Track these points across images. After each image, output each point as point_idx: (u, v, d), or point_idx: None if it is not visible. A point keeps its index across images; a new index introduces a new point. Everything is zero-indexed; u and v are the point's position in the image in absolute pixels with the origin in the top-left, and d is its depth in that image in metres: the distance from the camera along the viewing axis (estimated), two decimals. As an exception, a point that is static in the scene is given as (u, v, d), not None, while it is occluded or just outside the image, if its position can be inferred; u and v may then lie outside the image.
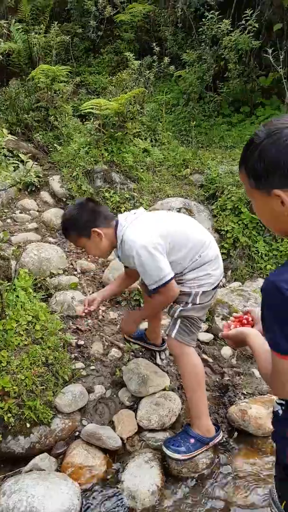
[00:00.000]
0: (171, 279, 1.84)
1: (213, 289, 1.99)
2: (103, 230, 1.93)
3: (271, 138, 0.98)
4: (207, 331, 2.76)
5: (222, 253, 3.27)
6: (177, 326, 1.94)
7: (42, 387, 2.18)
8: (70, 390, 2.25)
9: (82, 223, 1.93)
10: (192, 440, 1.95)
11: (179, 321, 1.94)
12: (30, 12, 5.54)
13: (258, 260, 3.17)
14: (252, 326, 1.31)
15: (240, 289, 2.88)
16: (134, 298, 2.94)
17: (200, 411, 2.01)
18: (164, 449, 1.93)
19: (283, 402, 1.18)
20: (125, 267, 2.22)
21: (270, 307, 0.99)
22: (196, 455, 1.96)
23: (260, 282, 3.08)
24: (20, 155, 3.08)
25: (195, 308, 1.96)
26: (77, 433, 2.18)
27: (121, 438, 2.10)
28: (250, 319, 1.33)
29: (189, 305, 1.93)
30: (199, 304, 1.95)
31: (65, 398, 2.21)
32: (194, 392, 1.98)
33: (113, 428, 2.17)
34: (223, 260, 3.28)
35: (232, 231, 3.23)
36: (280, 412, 1.19)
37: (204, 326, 2.77)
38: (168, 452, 1.92)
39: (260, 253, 3.18)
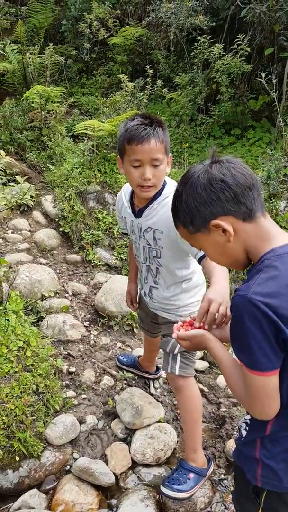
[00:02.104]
0: None
1: None
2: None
3: (186, 185, 1.09)
4: (202, 358, 2.70)
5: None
6: (178, 362, 1.84)
7: (32, 417, 2.10)
8: (61, 420, 2.16)
9: None
10: (191, 475, 1.87)
11: (179, 356, 1.85)
12: (25, 33, 5.57)
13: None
14: None
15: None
16: (127, 322, 2.88)
17: (197, 443, 1.94)
18: (165, 490, 1.82)
19: (248, 421, 1.16)
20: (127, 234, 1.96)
21: (243, 324, 0.96)
22: (197, 490, 1.88)
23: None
24: (17, 177, 3.03)
25: None
26: (68, 467, 2.09)
27: (114, 474, 2.02)
28: (202, 324, 1.29)
29: None
30: None
31: (56, 429, 2.12)
32: (193, 426, 1.90)
33: (106, 462, 2.08)
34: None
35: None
36: (244, 432, 1.18)
37: (199, 353, 2.72)
38: (171, 493, 1.81)
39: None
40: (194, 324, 1.28)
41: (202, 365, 2.64)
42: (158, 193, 1.68)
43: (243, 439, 1.19)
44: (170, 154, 1.65)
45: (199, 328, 1.26)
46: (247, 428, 1.17)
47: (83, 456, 2.12)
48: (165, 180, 1.70)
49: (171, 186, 1.70)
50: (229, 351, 1.19)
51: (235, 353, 1.04)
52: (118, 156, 1.67)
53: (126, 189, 1.84)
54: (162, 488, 1.83)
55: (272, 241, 1.05)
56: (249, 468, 1.16)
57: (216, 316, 1.25)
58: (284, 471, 1.09)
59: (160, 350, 2.21)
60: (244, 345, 0.98)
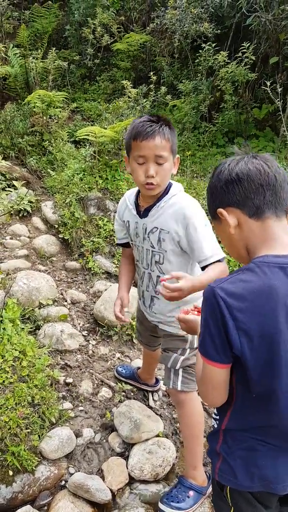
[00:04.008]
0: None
1: None
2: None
3: (214, 171, 1.13)
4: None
5: (217, 287, 3.20)
6: (180, 377, 1.79)
7: (27, 430, 2.03)
8: (57, 434, 2.10)
9: None
10: (191, 493, 1.81)
11: (181, 371, 1.80)
12: (28, 37, 5.56)
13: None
14: None
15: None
16: (126, 332, 2.82)
17: (198, 460, 1.88)
18: (164, 507, 1.76)
19: (217, 417, 1.18)
20: (123, 245, 1.96)
21: (205, 313, 1.00)
22: (196, 508, 1.82)
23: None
24: (14, 182, 2.98)
25: (193, 351, 1.83)
26: (63, 482, 2.02)
27: (111, 490, 1.95)
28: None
29: (188, 351, 1.80)
30: (196, 346, 1.83)
31: (51, 442, 2.06)
32: (194, 442, 1.85)
33: (102, 477, 2.01)
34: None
35: (228, 264, 3.15)
36: (215, 426, 1.19)
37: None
38: (170, 511, 1.76)
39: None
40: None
41: (202, 377, 2.58)
42: (165, 192, 1.65)
43: (213, 430, 1.21)
44: (178, 155, 1.62)
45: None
46: (217, 421, 1.19)
47: (79, 471, 2.05)
48: (170, 182, 1.67)
49: (177, 187, 1.68)
50: None
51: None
52: (126, 155, 1.65)
53: (129, 194, 1.82)
54: (161, 505, 1.77)
55: (271, 247, 1.03)
56: (212, 461, 1.18)
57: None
58: (239, 468, 1.10)
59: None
60: (201, 332, 1.02)
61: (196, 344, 1.81)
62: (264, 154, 1.08)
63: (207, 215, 1.18)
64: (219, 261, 1.56)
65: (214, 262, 1.55)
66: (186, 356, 1.80)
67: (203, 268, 1.58)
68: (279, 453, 1.08)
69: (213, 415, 1.21)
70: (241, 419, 1.08)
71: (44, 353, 2.44)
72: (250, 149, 1.13)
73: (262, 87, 4.00)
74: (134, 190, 1.80)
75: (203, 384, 1.07)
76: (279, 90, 3.67)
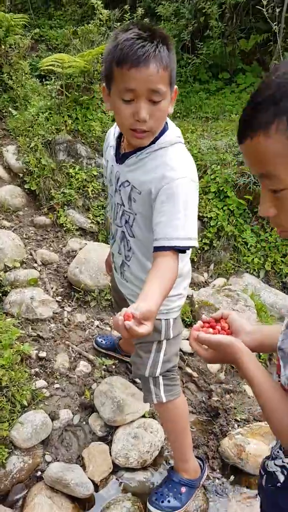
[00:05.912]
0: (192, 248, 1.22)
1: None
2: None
3: None
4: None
5: (204, 244, 2.90)
6: (162, 386, 1.49)
7: (-6, 418, 1.77)
8: (30, 419, 1.84)
9: None
10: (183, 489, 1.60)
11: (161, 378, 1.49)
12: None
13: (245, 253, 2.81)
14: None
15: (228, 288, 2.51)
16: (105, 297, 2.53)
17: (188, 452, 1.66)
18: (154, 509, 1.56)
19: (286, 464, 0.89)
20: None
21: None
22: (189, 503, 1.63)
23: (248, 277, 2.72)
24: None
25: (172, 345, 1.49)
26: (39, 472, 1.80)
27: (93, 481, 1.74)
28: (226, 327, 0.96)
29: (164, 345, 1.45)
30: (173, 337, 1.47)
31: (23, 430, 1.81)
32: (181, 435, 1.61)
33: (83, 466, 1.79)
34: (206, 251, 2.93)
35: (216, 219, 2.84)
36: (282, 477, 0.91)
37: (185, 332, 2.41)
38: None
39: (247, 245, 2.82)
40: None
41: (190, 346, 2.35)
42: (155, 138, 1.20)
43: (279, 485, 0.91)
44: (176, 86, 1.18)
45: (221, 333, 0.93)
46: (285, 472, 0.90)
47: (56, 458, 1.83)
48: (166, 123, 1.21)
49: (173, 135, 1.21)
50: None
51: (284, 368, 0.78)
52: (104, 85, 1.17)
53: (116, 127, 1.36)
54: (150, 507, 1.57)
55: None
56: None
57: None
58: None
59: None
60: None
61: (172, 334, 1.46)
62: None
63: None
64: (178, 252, 1.15)
65: (171, 250, 1.14)
66: (164, 354, 1.47)
67: (155, 249, 1.15)
68: None
69: (276, 466, 0.91)
70: None
71: (13, 325, 2.14)
72: None
73: (258, 6, 3.43)
74: None
75: None
76: (277, 11, 3.15)
